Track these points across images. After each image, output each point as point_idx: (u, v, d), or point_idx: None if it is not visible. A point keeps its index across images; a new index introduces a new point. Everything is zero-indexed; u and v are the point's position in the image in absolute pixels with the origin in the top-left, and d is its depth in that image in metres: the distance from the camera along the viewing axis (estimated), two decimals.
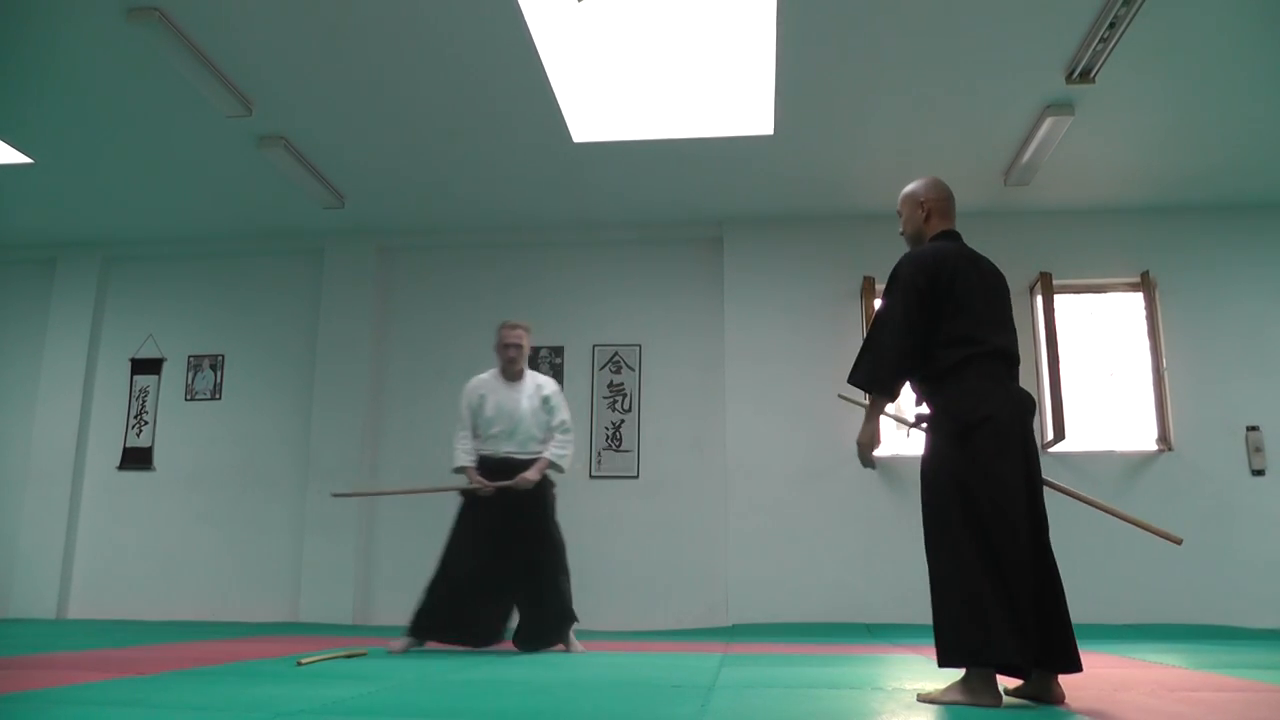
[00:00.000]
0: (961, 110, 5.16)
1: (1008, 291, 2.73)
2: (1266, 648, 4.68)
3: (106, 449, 7.05)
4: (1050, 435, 5.99)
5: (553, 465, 4.33)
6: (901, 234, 2.90)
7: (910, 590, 4.94)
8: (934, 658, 2.45)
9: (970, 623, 2.34)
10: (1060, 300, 6.33)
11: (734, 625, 5.98)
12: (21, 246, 7.37)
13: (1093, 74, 4.68)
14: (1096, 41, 4.40)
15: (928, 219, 2.79)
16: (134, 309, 7.29)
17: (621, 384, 6.70)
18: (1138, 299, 6.35)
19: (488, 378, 4.48)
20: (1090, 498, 2.84)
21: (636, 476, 6.54)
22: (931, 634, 2.45)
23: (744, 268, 6.62)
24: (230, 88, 4.92)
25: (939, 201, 2.81)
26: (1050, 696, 2.47)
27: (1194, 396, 6.10)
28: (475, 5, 4.25)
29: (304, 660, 3.44)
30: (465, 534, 4.23)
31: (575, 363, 6.76)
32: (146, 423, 7.08)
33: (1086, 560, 5.86)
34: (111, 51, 4.63)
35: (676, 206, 6.52)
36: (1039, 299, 6.28)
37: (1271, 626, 5.67)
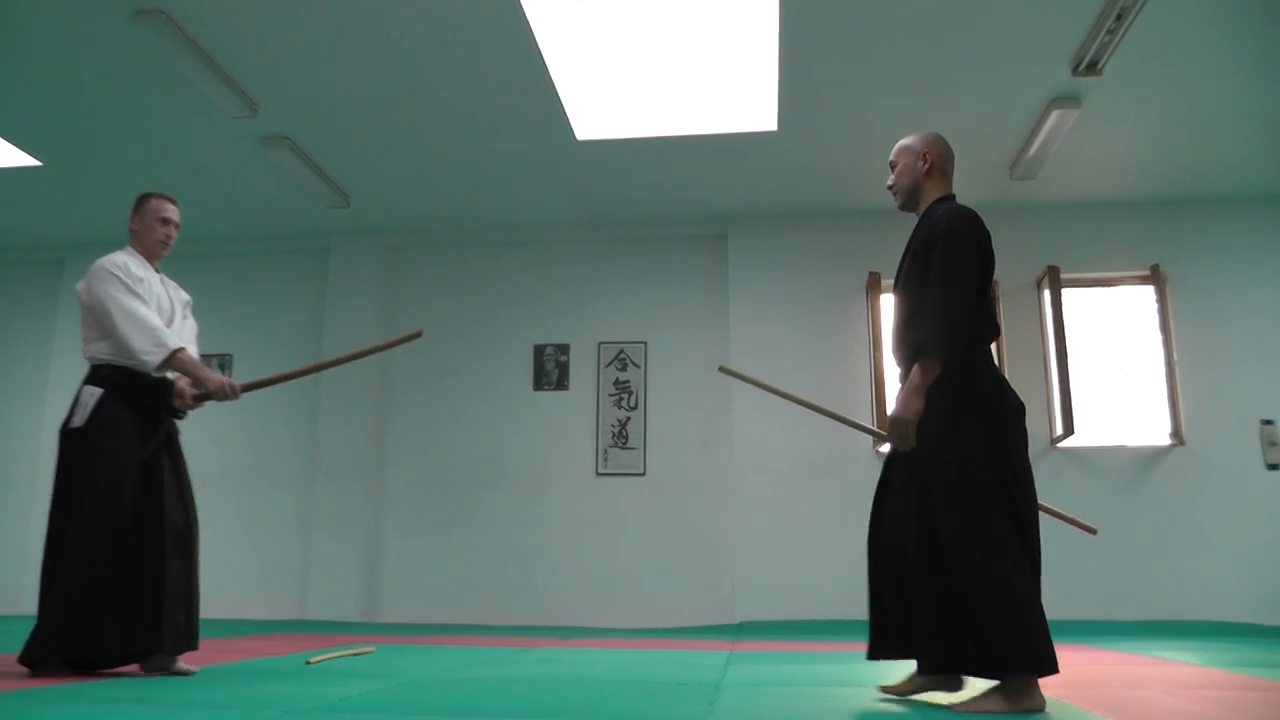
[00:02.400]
0: (967, 104, 5.13)
1: None
2: None
3: None
4: (1060, 430, 5.95)
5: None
6: (889, 187, 2.64)
7: None
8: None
9: (1035, 628, 2.17)
10: (1068, 294, 6.29)
11: (741, 623, 5.97)
12: (30, 248, 7.41)
13: (1100, 66, 4.65)
14: (1103, 33, 4.36)
15: (928, 173, 2.54)
16: None
17: (627, 381, 6.69)
18: (1148, 292, 6.30)
19: (136, 259, 3.16)
20: None
21: (643, 473, 6.53)
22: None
23: (749, 264, 6.60)
24: (236, 89, 4.93)
25: (942, 160, 2.56)
26: (957, 686, 2.47)
27: (1206, 390, 6.05)
28: (478, 4, 4.24)
29: (313, 659, 3.45)
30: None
31: (581, 360, 6.76)
32: None
33: (1099, 557, 5.83)
34: (118, 53, 4.64)
35: (681, 203, 6.51)
36: (1046, 293, 6.24)
37: None
